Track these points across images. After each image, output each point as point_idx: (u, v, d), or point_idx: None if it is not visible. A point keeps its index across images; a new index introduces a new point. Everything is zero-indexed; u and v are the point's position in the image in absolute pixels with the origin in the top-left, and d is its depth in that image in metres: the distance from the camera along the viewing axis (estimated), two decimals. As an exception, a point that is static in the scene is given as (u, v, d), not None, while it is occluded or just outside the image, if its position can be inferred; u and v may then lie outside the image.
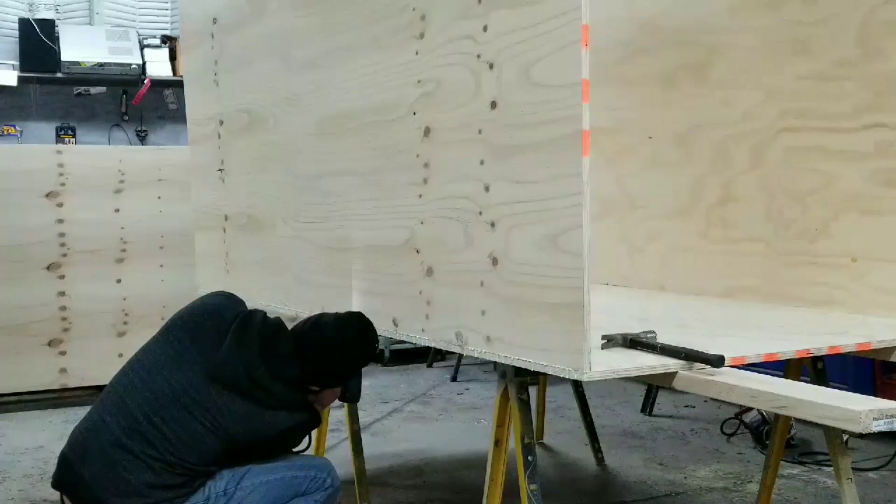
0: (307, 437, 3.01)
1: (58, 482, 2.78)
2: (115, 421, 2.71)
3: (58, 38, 7.43)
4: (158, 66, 7.68)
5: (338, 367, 2.94)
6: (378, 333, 3.00)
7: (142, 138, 7.96)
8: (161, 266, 5.89)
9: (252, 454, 2.82)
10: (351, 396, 3.10)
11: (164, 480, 2.65)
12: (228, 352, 2.75)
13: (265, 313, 2.96)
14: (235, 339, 2.77)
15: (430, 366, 6.97)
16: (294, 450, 3.00)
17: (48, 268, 5.67)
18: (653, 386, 5.21)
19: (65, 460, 2.76)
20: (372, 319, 3.11)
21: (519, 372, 2.51)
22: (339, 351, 2.90)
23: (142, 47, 7.71)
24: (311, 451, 3.32)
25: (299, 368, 2.83)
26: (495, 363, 2.57)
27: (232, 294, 3.12)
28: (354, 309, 3.16)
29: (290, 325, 2.97)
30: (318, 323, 2.93)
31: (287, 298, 3.80)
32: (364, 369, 3.11)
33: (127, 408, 2.72)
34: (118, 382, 2.83)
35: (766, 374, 2.24)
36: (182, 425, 2.67)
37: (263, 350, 2.78)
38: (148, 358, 2.85)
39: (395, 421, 5.33)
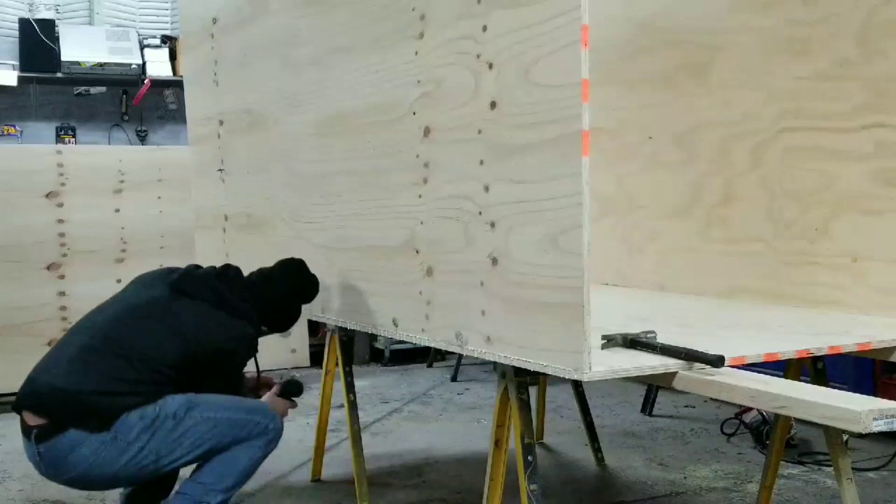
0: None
1: (19, 399, 2.93)
2: (81, 337, 2.99)
3: (58, 38, 7.43)
4: (158, 66, 7.68)
5: (281, 298, 3.30)
6: (318, 281, 3.41)
7: (142, 138, 7.96)
8: (161, 266, 5.88)
9: (206, 367, 3.03)
10: (294, 391, 3.40)
11: (123, 374, 2.88)
12: (190, 275, 3.18)
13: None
14: (194, 270, 3.24)
15: (430, 366, 6.97)
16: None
17: (48, 268, 5.67)
18: (653, 386, 5.21)
19: (28, 380, 2.96)
20: (372, 320, 3.14)
21: (519, 372, 2.51)
22: (281, 283, 3.31)
23: (142, 47, 7.71)
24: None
25: (251, 301, 3.20)
26: (495, 363, 2.57)
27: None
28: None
29: None
30: (266, 266, 3.37)
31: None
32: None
33: (95, 325, 3.02)
34: (86, 316, 3.15)
35: (766, 374, 2.24)
36: (147, 328, 2.96)
37: (220, 276, 3.22)
38: (115, 296, 3.22)
39: (395, 421, 5.33)
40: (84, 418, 2.80)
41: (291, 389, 3.39)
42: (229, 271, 3.27)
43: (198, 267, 3.32)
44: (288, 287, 3.33)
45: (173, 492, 3.17)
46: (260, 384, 3.43)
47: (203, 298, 3.08)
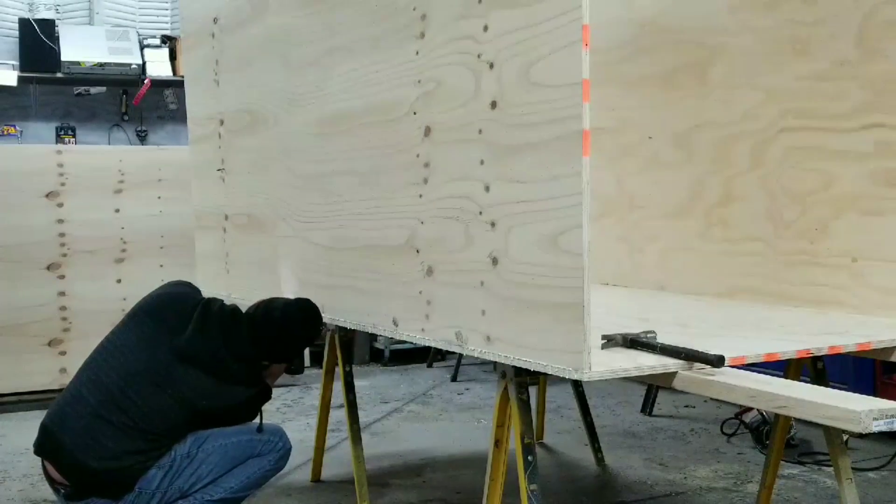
0: (259, 411, 3.31)
1: (39, 448, 3.09)
2: (92, 395, 3.05)
3: (58, 38, 7.43)
4: (158, 66, 7.68)
5: (286, 346, 3.33)
6: (323, 319, 3.38)
7: (142, 138, 7.96)
8: (161, 266, 5.89)
9: (213, 423, 3.15)
10: (295, 369, 3.56)
11: (136, 446, 3.00)
12: (193, 334, 3.12)
13: (223, 301, 3.34)
14: (198, 323, 3.15)
15: (430, 366, 6.97)
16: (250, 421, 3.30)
17: (48, 268, 5.67)
18: (653, 386, 5.21)
19: (45, 429, 3.09)
20: (372, 320, 3.13)
21: (519, 372, 2.51)
22: (288, 332, 3.29)
23: (142, 47, 7.71)
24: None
25: (253, 348, 3.20)
26: (495, 363, 2.57)
27: (190, 283, 3.50)
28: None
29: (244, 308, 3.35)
30: (270, 307, 3.31)
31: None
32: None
33: (103, 383, 3.07)
34: (93, 361, 3.19)
35: (766, 374, 2.24)
36: (152, 398, 3.03)
37: (223, 333, 3.16)
38: (119, 339, 3.20)
39: (395, 421, 5.33)
40: (107, 491, 3.01)
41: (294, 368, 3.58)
42: (232, 330, 3.18)
43: (206, 307, 3.22)
44: (288, 331, 3.30)
45: None
46: None
47: (204, 368, 3.09)
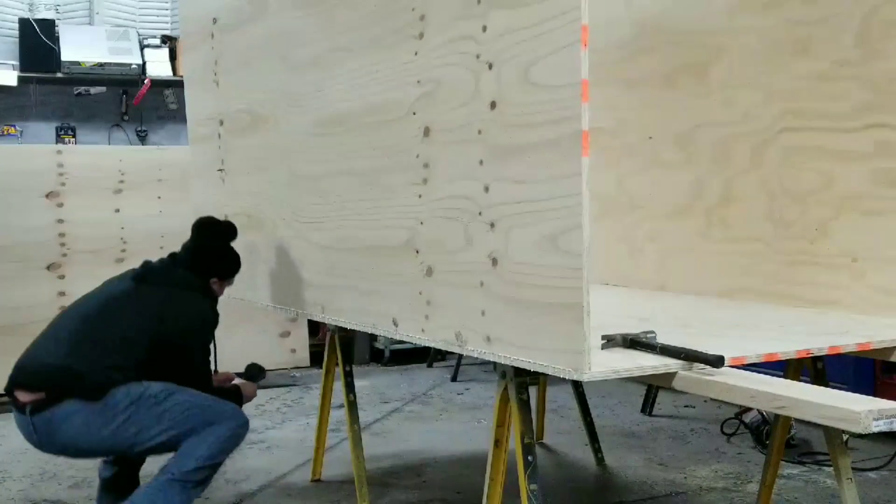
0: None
1: (13, 380, 3.23)
2: (70, 324, 3.29)
3: (58, 38, 7.43)
4: (158, 66, 7.68)
5: (212, 249, 3.60)
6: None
7: (142, 138, 7.96)
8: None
9: (174, 353, 3.30)
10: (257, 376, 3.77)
11: (114, 359, 3.18)
12: (148, 266, 3.49)
13: None
14: (146, 261, 3.53)
15: (430, 366, 6.97)
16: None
17: (48, 268, 5.67)
18: (653, 386, 5.21)
19: (21, 365, 3.27)
20: (372, 320, 3.14)
21: (519, 372, 2.51)
22: (206, 238, 3.61)
23: (142, 47, 7.71)
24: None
25: (195, 267, 3.50)
26: (495, 363, 2.57)
27: None
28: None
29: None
30: (186, 240, 3.62)
31: (287, 298, 3.81)
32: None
33: (79, 314, 3.32)
34: (63, 312, 3.48)
35: (766, 374, 2.24)
36: (123, 317, 3.26)
37: (172, 259, 3.54)
38: (84, 296, 3.46)
39: (395, 421, 5.33)
40: (81, 389, 3.11)
41: (254, 373, 3.74)
42: (177, 255, 3.57)
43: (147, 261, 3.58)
44: (209, 236, 3.62)
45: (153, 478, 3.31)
46: (220, 379, 3.69)
47: (163, 284, 3.40)
